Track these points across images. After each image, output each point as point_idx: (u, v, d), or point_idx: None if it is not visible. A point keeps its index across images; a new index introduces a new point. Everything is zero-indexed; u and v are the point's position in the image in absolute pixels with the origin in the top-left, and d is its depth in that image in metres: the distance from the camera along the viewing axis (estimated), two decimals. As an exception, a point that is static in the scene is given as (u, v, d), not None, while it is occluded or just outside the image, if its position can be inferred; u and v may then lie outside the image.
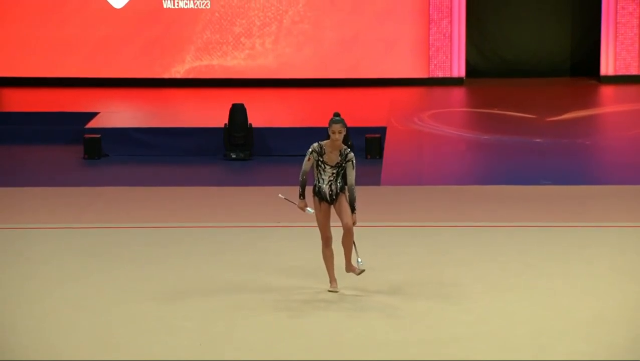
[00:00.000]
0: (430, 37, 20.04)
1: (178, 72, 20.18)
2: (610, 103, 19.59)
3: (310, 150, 9.20)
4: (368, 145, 16.11)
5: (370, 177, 14.78)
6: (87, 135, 16.34)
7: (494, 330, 8.53)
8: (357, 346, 8.22)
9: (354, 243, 9.22)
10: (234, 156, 16.12)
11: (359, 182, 14.59)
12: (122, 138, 16.41)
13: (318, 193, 9.20)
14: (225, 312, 8.86)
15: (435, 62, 20.12)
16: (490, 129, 17.27)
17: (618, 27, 20.08)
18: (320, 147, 9.19)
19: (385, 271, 9.95)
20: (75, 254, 10.55)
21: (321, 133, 15.63)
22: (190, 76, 20.12)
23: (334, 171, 9.17)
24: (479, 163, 15.78)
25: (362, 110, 17.96)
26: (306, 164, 9.19)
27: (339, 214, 9.18)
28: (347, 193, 9.24)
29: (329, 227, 9.23)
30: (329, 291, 9.23)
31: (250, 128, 16.26)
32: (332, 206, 9.23)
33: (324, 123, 15.84)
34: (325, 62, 20.05)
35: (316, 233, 9.46)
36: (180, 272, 9.97)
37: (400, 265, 10.20)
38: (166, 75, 20.11)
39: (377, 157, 16.00)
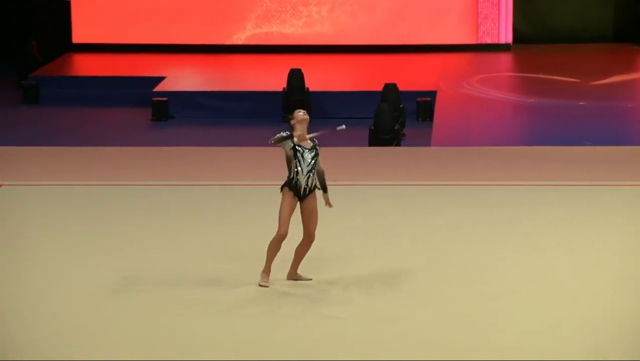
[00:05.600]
0: (479, 5, 19.91)
1: (239, 38, 20.24)
2: (652, 67, 19.37)
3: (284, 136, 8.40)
4: (419, 108, 16.11)
5: (421, 139, 14.80)
6: (154, 99, 16.49)
7: (542, 286, 8.54)
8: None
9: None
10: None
11: (411, 143, 14.72)
12: (187, 101, 16.55)
13: (294, 186, 8.35)
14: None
15: (483, 29, 19.99)
16: (535, 93, 17.18)
17: (661, -7, 19.78)
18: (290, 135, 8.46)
19: (434, 229, 9.98)
20: (146, 212, 10.63)
21: (374, 97, 15.70)
22: (251, 43, 20.16)
23: (312, 158, 8.41)
24: (524, 125, 15.72)
25: (414, 75, 17.93)
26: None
27: (307, 219, 8.34)
28: (317, 195, 8.42)
29: (288, 222, 8.35)
30: (260, 285, 8.37)
31: (307, 92, 16.30)
32: (299, 203, 8.39)
33: (377, 88, 15.97)
34: (378, 29, 20.01)
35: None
36: (244, 230, 10.01)
37: (447, 223, 10.20)
38: (228, 42, 20.18)
39: (428, 120, 16.00)
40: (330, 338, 7.48)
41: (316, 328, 7.67)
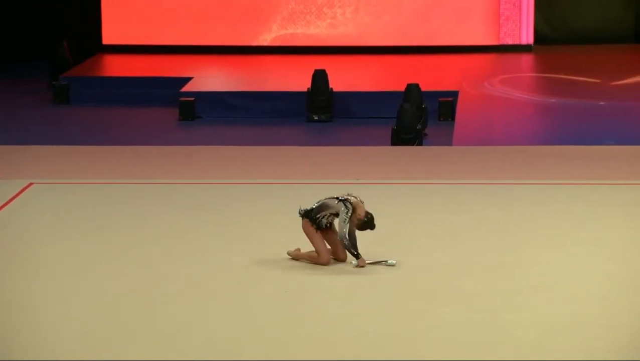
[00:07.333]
0: (501, 7, 19.79)
1: (265, 40, 20.19)
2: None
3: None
4: (441, 108, 16.01)
5: (443, 138, 14.71)
6: (182, 99, 16.46)
7: (566, 281, 8.42)
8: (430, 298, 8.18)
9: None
10: (316, 118, 16.13)
11: (432, 142, 14.64)
12: (214, 101, 16.52)
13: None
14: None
15: (504, 30, 19.86)
16: (556, 93, 17.04)
17: (683, -6, 19.58)
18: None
19: (456, 227, 9.88)
20: (173, 208, 10.60)
21: (397, 97, 15.59)
22: (276, 44, 20.12)
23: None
24: (545, 124, 15.59)
25: (436, 75, 17.83)
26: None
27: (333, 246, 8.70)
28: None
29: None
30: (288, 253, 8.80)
31: (331, 93, 16.23)
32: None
33: (400, 88, 15.86)
34: (400, 30, 19.90)
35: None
36: (268, 226, 9.97)
37: (468, 221, 10.11)
38: (254, 43, 20.14)
39: (450, 119, 15.89)
40: (355, 333, 7.39)
41: (342, 323, 7.58)
